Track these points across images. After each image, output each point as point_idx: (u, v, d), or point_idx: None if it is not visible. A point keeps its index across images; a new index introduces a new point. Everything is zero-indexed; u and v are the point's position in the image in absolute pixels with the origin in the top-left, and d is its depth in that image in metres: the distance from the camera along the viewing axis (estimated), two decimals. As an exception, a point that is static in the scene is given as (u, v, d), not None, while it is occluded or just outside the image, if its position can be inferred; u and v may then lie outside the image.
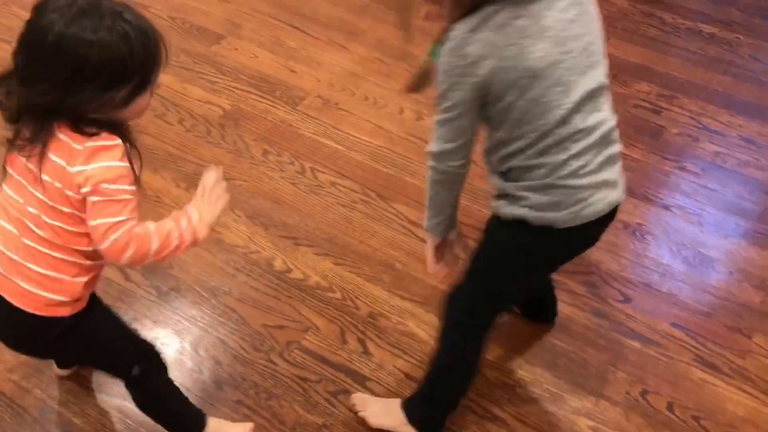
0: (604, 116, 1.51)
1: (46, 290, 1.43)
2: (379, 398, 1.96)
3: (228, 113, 2.81)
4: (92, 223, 1.35)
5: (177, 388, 1.76)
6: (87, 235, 1.38)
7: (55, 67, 1.28)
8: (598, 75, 1.48)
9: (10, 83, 1.33)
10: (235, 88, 2.92)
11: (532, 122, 1.45)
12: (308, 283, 2.24)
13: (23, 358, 1.94)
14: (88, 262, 1.45)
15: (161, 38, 1.36)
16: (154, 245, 1.40)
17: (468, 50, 1.40)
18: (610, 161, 1.54)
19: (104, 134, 1.34)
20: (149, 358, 1.69)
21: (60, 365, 1.97)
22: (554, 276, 2.07)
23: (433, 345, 1.84)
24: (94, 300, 1.57)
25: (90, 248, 1.41)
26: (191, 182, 2.47)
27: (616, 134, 1.55)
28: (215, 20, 3.26)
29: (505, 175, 1.55)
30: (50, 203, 1.36)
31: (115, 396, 1.93)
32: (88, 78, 1.28)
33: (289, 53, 3.10)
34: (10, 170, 1.42)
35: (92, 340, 1.58)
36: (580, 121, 1.46)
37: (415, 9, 1.68)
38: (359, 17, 3.31)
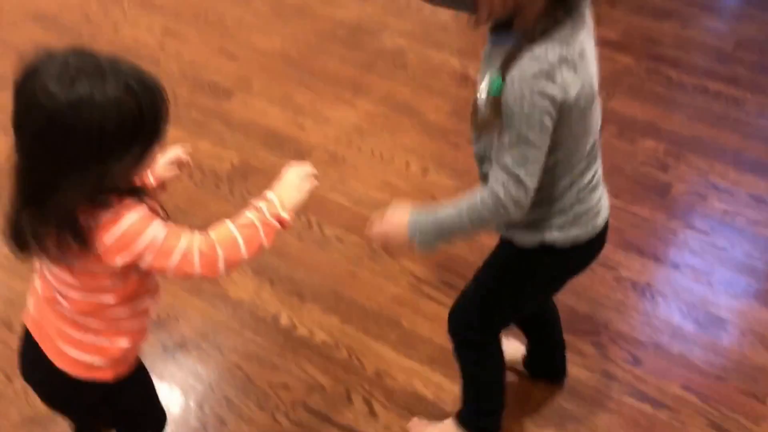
0: None
1: (84, 352, 1.40)
2: (434, 422, 1.97)
3: (237, 168, 2.82)
4: (172, 274, 1.31)
5: None
6: (119, 294, 1.35)
7: (72, 144, 1.16)
8: None
9: (20, 215, 1.24)
10: (244, 143, 2.93)
11: (579, 147, 1.46)
12: (314, 341, 2.22)
13: (28, 414, 1.92)
14: (125, 326, 1.41)
15: (161, 86, 1.26)
16: (240, 240, 1.34)
17: (559, 73, 1.32)
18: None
19: (125, 201, 1.25)
20: (161, 425, 1.68)
21: (79, 428, 1.82)
22: (563, 335, 2.05)
23: (443, 401, 1.82)
24: (139, 366, 1.55)
25: (123, 313, 1.38)
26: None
27: None
28: (226, 76, 3.29)
29: (534, 202, 1.46)
30: (74, 281, 1.32)
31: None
32: (110, 146, 1.18)
33: (297, 109, 3.12)
34: None
35: (127, 406, 1.56)
36: (598, 138, 1.50)
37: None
38: (366, 73, 3.34)
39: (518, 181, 1.37)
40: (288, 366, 2.15)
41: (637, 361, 2.19)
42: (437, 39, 3.55)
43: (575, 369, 2.15)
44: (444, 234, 1.51)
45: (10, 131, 1.19)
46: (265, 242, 1.37)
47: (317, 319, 2.28)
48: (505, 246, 1.66)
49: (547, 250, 1.55)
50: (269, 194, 1.42)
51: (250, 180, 2.76)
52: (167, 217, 1.34)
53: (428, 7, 3.53)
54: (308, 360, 2.17)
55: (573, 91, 1.33)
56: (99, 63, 1.19)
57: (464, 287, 1.78)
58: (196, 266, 1.30)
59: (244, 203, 2.62)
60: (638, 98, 3.22)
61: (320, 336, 2.24)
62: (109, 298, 1.35)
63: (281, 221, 1.39)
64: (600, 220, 1.58)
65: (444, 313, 1.83)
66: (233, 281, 2.36)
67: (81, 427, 1.78)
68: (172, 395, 2.07)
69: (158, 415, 1.68)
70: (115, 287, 1.34)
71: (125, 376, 1.47)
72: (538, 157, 1.37)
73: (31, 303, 1.45)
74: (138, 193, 1.29)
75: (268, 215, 1.38)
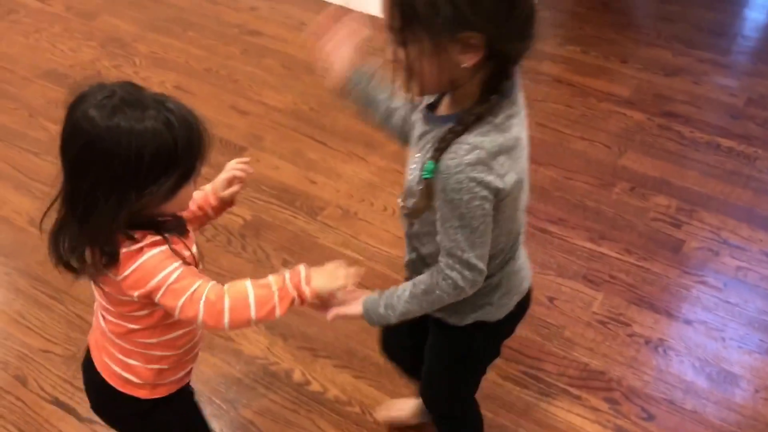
0: None
1: (121, 368, 1.47)
2: None
3: (249, 223, 2.84)
4: (177, 316, 1.33)
5: None
6: (145, 323, 1.40)
7: (109, 168, 1.22)
8: None
9: (66, 231, 1.31)
10: (256, 198, 2.95)
11: (513, 227, 1.46)
12: (327, 397, 2.22)
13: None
14: (157, 353, 1.46)
15: (203, 126, 1.30)
16: (252, 299, 1.34)
17: (497, 163, 1.30)
18: None
19: (149, 237, 1.30)
20: None
21: None
22: (575, 391, 2.03)
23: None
24: (182, 392, 1.58)
25: (153, 340, 1.43)
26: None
27: None
28: (238, 133, 3.33)
29: None
30: (107, 304, 1.40)
31: None
32: (146, 174, 1.23)
33: (309, 164, 3.15)
34: None
35: (162, 428, 1.59)
36: (524, 210, 1.50)
37: None
38: (377, 129, 3.36)
39: (469, 265, 1.38)
40: (301, 422, 2.15)
41: (650, 417, 2.18)
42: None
43: (588, 425, 2.14)
44: (399, 318, 1.52)
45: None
46: (279, 309, 1.36)
47: (330, 375, 2.28)
48: (440, 329, 1.63)
49: (480, 325, 1.56)
50: (300, 266, 1.41)
51: (262, 235, 2.78)
52: (196, 259, 1.38)
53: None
54: (321, 416, 2.16)
55: (510, 180, 1.33)
56: (143, 96, 1.25)
57: (424, 370, 1.77)
58: (200, 312, 1.31)
59: (255, 258, 2.67)
60: (650, 155, 3.24)
61: (333, 392, 2.23)
62: (135, 325, 1.41)
63: (300, 294, 1.38)
64: (526, 284, 1.61)
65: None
66: (246, 337, 2.37)
67: None
68: (184, 451, 2.06)
69: None
70: (142, 316, 1.39)
71: (162, 400, 1.52)
72: (484, 241, 1.37)
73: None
74: (167, 230, 1.33)
75: (288, 283, 1.38)
